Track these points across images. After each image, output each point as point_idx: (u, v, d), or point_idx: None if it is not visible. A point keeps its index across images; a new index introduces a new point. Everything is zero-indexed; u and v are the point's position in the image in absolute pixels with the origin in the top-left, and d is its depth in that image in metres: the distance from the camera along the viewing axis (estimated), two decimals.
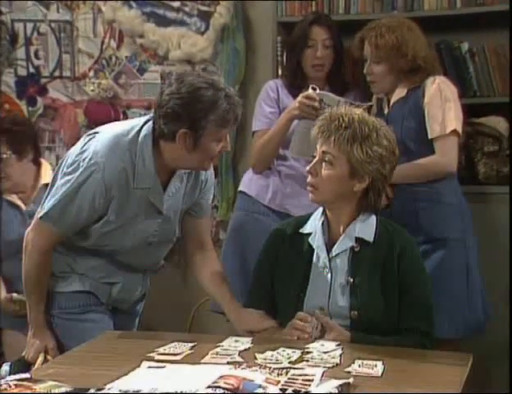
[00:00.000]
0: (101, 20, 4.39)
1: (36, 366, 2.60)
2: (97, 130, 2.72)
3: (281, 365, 2.16)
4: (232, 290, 2.81)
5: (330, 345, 2.35)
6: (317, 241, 2.59)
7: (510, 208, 3.45)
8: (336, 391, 1.94)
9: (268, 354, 2.25)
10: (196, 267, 2.89)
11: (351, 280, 2.53)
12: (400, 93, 3.39)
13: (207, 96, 2.53)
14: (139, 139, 2.62)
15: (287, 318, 2.56)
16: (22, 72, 4.50)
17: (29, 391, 1.97)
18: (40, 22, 4.47)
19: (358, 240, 2.55)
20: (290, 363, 2.19)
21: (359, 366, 2.17)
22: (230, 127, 2.61)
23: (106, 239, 2.69)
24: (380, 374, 2.12)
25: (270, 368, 2.11)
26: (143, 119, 2.69)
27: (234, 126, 2.66)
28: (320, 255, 2.57)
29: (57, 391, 1.97)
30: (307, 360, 2.22)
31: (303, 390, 1.96)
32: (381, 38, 3.34)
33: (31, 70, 4.50)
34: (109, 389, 1.99)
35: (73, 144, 4.28)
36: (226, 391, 1.91)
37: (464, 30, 3.81)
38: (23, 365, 2.66)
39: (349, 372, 2.13)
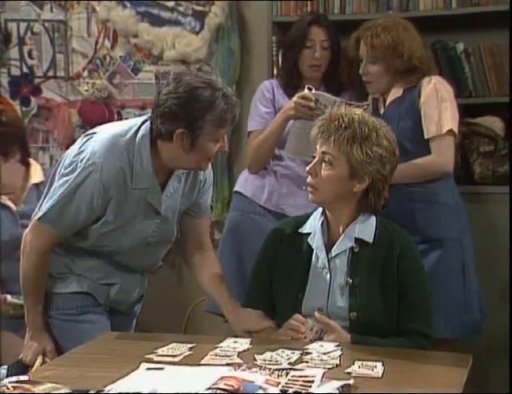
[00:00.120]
0: (95, 19, 4.38)
1: (34, 369, 2.59)
2: (94, 130, 2.71)
3: (281, 366, 2.15)
4: (231, 291, 2.79)
5: (329, 346, 2.34)
6: (316, 241, 2.58)
7: (510, 208, 3.45)
8: (337, 392, 1.94)
9: (267, 355, 2.24)
10: (195, 267, 2.88)
11: (350, 281, 2.52)
12: (395, 93, 3.40)
13: (204, 96, 2.52)
14: (137, 139, 2.61)
15: (285, 318, 2.55)
16: (16, 72, 4.48)
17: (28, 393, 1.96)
18: (34, 22, 4.45)
19: (358, 240, 2.54)
20: (289, 364, 2.18)
21: (359, 367, 2.16)
22: (227, 127, 2.61)
23: (104, 239, 2.68)
24: (380, 375, 2.11)
25: (270, 369, 2.10)
26: (141, 119, 2.69)
27: (231, 127, 2.65)
28: (319, 256, 2.57)
29: (56, 392, 1.96)
30: (306, 361, 2.21)
31: (303, 391, 1.96)
32: (377, 38, 3.35)
33: (25, 70, 4.48)
34: (108, 391, 1.97)
35: (67, 145, 4.37)
36: (227, 393, 1.90)
37: (459, 30, 3.81)
38: (20, 368, 2.64)
39: (349, 373, 2.12)
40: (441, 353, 2.44)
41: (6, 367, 2.72)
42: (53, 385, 2.01)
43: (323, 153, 2.52)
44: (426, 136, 3.29)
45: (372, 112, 3.40)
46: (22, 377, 2.08)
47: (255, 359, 2.21)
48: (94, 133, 2.68)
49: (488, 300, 3.41)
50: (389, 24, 3.38)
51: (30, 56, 4.46)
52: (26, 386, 2.00)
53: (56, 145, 4.44)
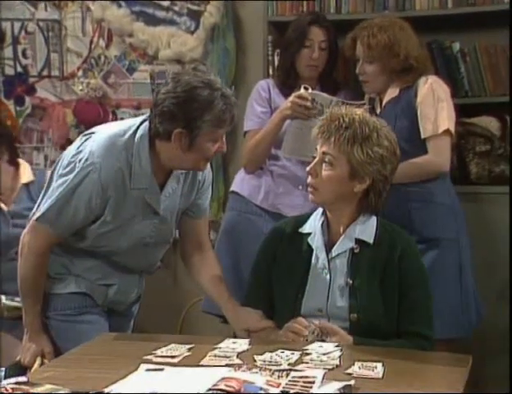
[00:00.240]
0: (90, 19, 4.37)
1: (33, 371, 2.57)
2: (93, 130, 2.70)
3: (281, 367, 2.14)
4: (229, 290, 2.79)
5: (329, 346, 2.33)
6: (316, 242, 2.57)
7: (510, 208, 3.45)
8: (339, 393, 1.93)
9: (267, 355, 2.23)
10: (194, 267, 2.87)
11: (350, 282, 2.51)
12: (392, 92, 3.39)
13: (203, 95, 2.51)
14: (136, 139, 2.60)
15: (285, 318, 2.55)
16: (10, 72, 4.46)
17: None
18: (28, 21, 4.43)
19: (358, 241, 2.53)
20: (289, 365, 2.17)
21: (359, 368, 2.15)
22: (226, 127, 2.59)
23: (102, 240, 2.67)
24: (381, 376, 2.10)
25: (270, 370, 2.09)
26: (139, 119, 2.68)
27: (230, 127, 2.63)
28: (319, 256, 2.56)
29: None
30: (306, 362, 2.19)
31: (304, 392, 1.95)
32: (374, 38, 3.34)
33: (19, 69, 4.46)
34: (109, 391, 1.96)
35: (62, 145, 4.38)
36: None
37: (455, 30, 3.82)
38: (19, 370, 2.62)
39: (349, 374, 2.11)
40: (441, 353, 2.44)
41: (3, 369, 2.71)
42: (52, 386, 2.00)
43: (324, 153, 2.51)
44: (422, 136, 3.29)
45: (368, 111, 3.39)
46: (21, 379, 2.06)
47: (255, 360, 2.20)
48: (92, 133, 2.67)
49: (485, 301, 3.41)
50: (385, 23, 3.38)
51: (24, 55, 4.45)
52: (25, 387, 1.99)
53: (50, 145, 4.42)
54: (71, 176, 2.58)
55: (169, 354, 2.28)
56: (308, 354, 2.26)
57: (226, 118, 2.56)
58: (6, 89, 4.46)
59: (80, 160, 2.59)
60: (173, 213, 2.75)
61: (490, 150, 3.71)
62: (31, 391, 1.96)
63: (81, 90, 4.37)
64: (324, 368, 2.13)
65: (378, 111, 3.41)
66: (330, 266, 2.54)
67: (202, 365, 2.19)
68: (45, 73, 4.44)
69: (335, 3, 3.88)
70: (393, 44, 3.32)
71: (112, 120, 4.33)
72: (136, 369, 2.14)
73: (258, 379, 2.00)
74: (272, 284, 2.64)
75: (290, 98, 3.34)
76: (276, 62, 3.85)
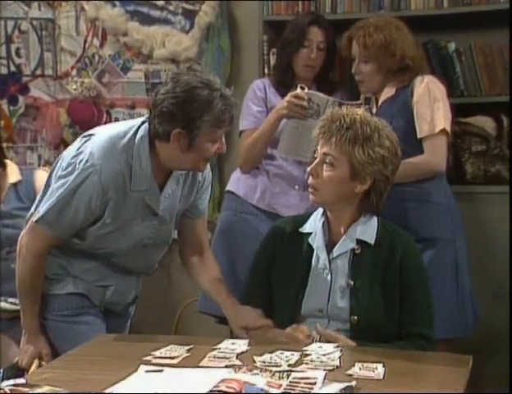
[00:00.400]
0: (84, 18, 4.35)
1: (30, 372, 2.55)
2: (92, 131, 2.68)
3: (281, 368, 2.13)
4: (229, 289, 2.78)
5: (328, 347, 2.32)
6: (317, 241, 2.56)
7: (510, 209, 3.45)
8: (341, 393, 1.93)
9: (267, 356, 2.22)
10: (194, 268, 2.87)
11: (352, 283, 2.51)
12: (388, 92, 3.39)
13: (202, 96, 2.50)
14: (136, 140, 2.59)
15: (285, 318, 2.55)
16: (3, 71, 4.44)
17: None
18: (21, 20, 4.41)
19: (359, 241, 2.53)
20: (289, 366, 2.16)
21: (360, 369, 2.14)
22: (225, 128, 2.58)
23: (102, 241, 2.66)
24: (382, 377, 2.09)
25: (271, 371, 2.08)
26: (139, 120, 2.66)
27: (229, 127, 2.63)
28: (320, 256, 2.55)
29: None
30: (306, 363, 2.18)
31: (306, 393, 1.94)
32: (370, 38, 3.34)
33: (12, 68, 4.43)
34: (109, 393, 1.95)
35: (56, 144, 4.36)
36: None
37: (450, 30, 3.81)
38: (16, 371, 2.60)
39: (350, 375, 2.10)
40: (441, 354, 2.44)
41: (0, 371, 2.69)
42: (51, 388, 1.99)
43: (324, 153, 2.50)
44: (419, 136, 3.28)
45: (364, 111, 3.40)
46: (19, 381, 2.05)
47: (254, 361, 2.19)
48: (92, 134, 2.65)
49: (481, 300, 3.40)
50: (381, 23, 3.38)
51: (18, 54, 4.43)
52: (23, 389, 1.97)
53: (44, 145, 4.40)
54: (71, 177, 2.57)
55: (168, 355, 2.27)
56: (307, 355, 2.25)
57: (226, 118, 2.55)
58: (0, 89, 4.43)
59: (80, 161, 2.57)
60: (172, 214, 2.74)
61: (486, 150, 3.71)
62: (30, 392, 1.95)
63: (75, 90, 4.35)
64: (324, 369, 2.12)
65: (374, 110, 3.40)
66: (331, 266, 2.53)
67: (201, 366, 2.18)
68: (39, 72, 4.42)
69: (330, 3, 3.88)
70: (389, 44, 3.32)
71: (107, 119, 4.32)
72: (136, 371, 2.12)
73: (259, 380, 2.00)
74: (271, 283, 2.63)
75: (287, 98, 3.33)
76: (272, 62, 3.84)
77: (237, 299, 2.76)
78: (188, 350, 2.31)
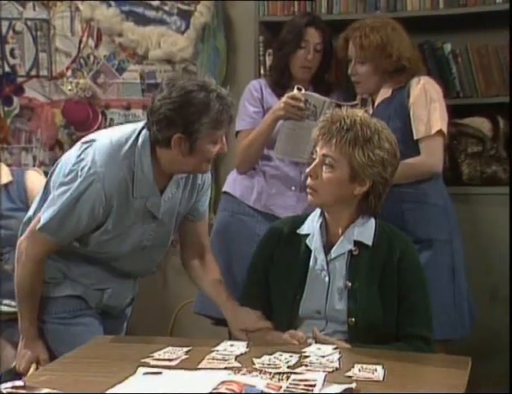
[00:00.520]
0: (79, 18, 4.33)
1: (28, 375, 2.53)
2: (93, 137, 2.66)
3: (280, 370, 2.12)
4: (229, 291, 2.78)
5: (327, 348, 2.32)
6: (314, 243, 2.56)
7: (510, 209, 3.45)
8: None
9: (266, 358, 2.21)
10: (194, 270, 2.86)
11: (349, 284, 2.50)
12: (384, 93, 3.39)
13: (198, 98, 2.49)
14: (137, 146, 2.58)
15: (283, 319, 2.54)
16: None
17: None
18: (16, 20, 4.38)
19: (357, 243, 2.52)
20: (288, 367, 2.15)
21: (359, 370, 2.14)
22: (224, 128, 2.57)
23: (103, 246, 2.65)
24: (381, 379, 2.09)
25: (270, 373, 2.08)
26: (139, 125, 2.64)
27: (229, 127, 2.63)
28: (318, 257, 2.54)
29: None
30: (306, 365, 2.18)
31: None
32: (366, 39, 3.33)
33: (7, 69, 4.40)
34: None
35: (51, 145, 4.34)
36: None
37: (446, 31, 3.81)
38: (13, 377, 2.59)
39: (349, 376, 2.09)
40: (440, 355, 2.45)
41: None
42: (49, 390, 1.98)
43: (324, 155, 2.49)
44: (415, 137, 3.28)
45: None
46: (17, 383, 2.04)
47: (253, 363, 2.18)
48: (93, 140, 2.62)
49: (477, 302, 3.40)
50: (377, 24, 3.38)
51: (12, 55, 4.40)
52: (21, 391, 1.97)
53: (39, 146, 4.38)
54: (74, 184, 2.54)
55: (166, 357, 2.26)
56: (306, 356, 2.25)
57: (224, 119, 2.54)
58: None
59: (82, 168, 2.55)
60: (171, 217, 2.73)
61: (482, 151, 3.70)
62: None
63: (70, 90, 4.33)
64: (324, 371, 2.12)
65: (371, 112, 3.39)
66: (328, 268, 2.53)
67: (200, 368, 2.17)
68: (33, 73, 4.39)
69: (326, 4, 3.87)
70: (385, 45, 3.32)
71: (102, 120, 4.30)
72: (134, 373, 2.11)
73: (259, 382, 1.99)
74: (269, 284, 2.62)
75: (283, 99, 3.32)
76: (268, 63, 3.83)
77: (235, 300, 2.75)
78: (186, 352, 2.30)
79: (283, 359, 2.21)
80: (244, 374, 2.06)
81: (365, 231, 2.54)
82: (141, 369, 2.14)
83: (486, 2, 3.69)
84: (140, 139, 2.58)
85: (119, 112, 4.30)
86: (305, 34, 3.51)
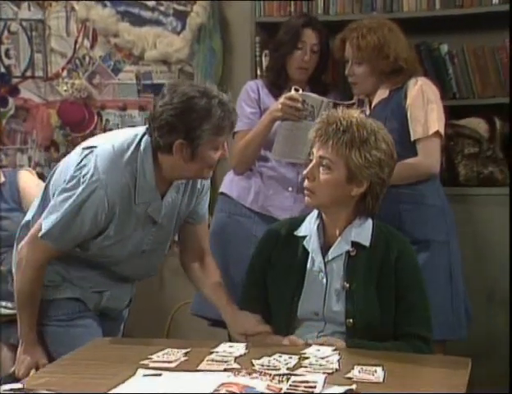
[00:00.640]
0: (74, 18, 4.32)
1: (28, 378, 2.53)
2: (94, 143, 2.64)
3: (280, 372, 2.12)
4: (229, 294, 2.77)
5: (326, 350, 2.31)
6: (312, 244, 2.55)
7: (510, 209, 3.45)
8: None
9: (265, 360, 2.21)
10: (195, 273, 2.85)
11: (347, 285, 2.50)
12: (381, 94, 3.38)
13: (200, 105, 2.48)
14: (139, 152, 2.57)
15: (281, 320, 2.54)
16: None
17: None
18: (11, 21, 4.37)
19: (355, 244, 2.52)
20: (288, 369, 2.15)
21: (359, 372, 2.13)
22: (226, 134, 2.57)
23: (104, 251, 2.64)
24: (381, 380, 2.09)
25: (270, 375, 2.07)
26: (140, 130, 2.62)
27: (230, 133, 2.62)
28: (315, 259, 2.54)
29: None
30: (305, 366, 2.17)
31: None
32: (363, 40, 3.33)
33: (2, 69, 4.39)
34: None
35: (46, 146, 4.32)
36: None
37: (443, 32, 3.82)
38: (12, 381, 2.57)
39: (349, 378, 2.09)
40: (439, 356, 2.44)
41: None
42: (48, 392, 1.98)
43: (321, 157, 2.48)
44: (412, 138, 3.28)
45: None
46: (16, 385, 2.04)
47: (253, 365, 2.18)
48: (94, 146, 2.60)
49: (474, 302, 3.40)
50: (374, 25, 3.37)
51: (7, 55, 4.39)
52: None
53: (34, 146, 4.36)
54: (77, 191, 2.53)
55: (165, 358, 2.25)
56: (306, 358, 2.24)
57: (226, 125, 2.53)
58: None
59: (84, 175, 2.53)
60: (171, 221, 2.72)
61: (478, 152, 3.71)
62: None
63: (66, 91, 4.32)
64: (324, 373, 2.12)
65: (368, 112, 3.39)
66: (326, 269, 2.52)
67: (200, 370, 2.16)
68: (29, 73, 4.38)
69: (323, 4, 3.86)
70: (382, 46, 3.31)
71: (97, 121, 4.30)
72: (133, 375, 2.11)
73: (259, 384, 1.99)
74: (267, 286, 2.61)
75: (281, 100, 3.31)
76: (264, 63, 3.83)
77: (234, 302, 2.74)
78: (185, 354, 2.29)
79: (282, 361, 2.21)
80: (243, 376, 2.06)
81: (362, 231, 2.53)
82: (141, 371, 2.13)
83: (483, 2, 3.70)
84: (142, 145, 2.57)
85: (115, 113, 4.29)
86: (302, 35, 3.50)
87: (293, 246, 2.59)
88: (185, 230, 2.83)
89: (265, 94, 3.57)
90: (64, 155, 4.10)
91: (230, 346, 2.36)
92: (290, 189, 3.48)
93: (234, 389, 1.94)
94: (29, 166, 4.24)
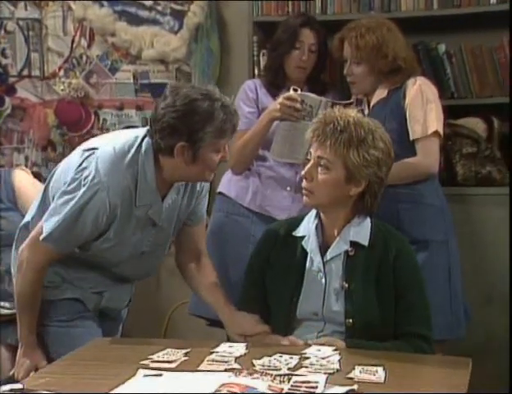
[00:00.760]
0: (71, 18, 4.30)
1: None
2: (94, 145, 2.62)
3: (281, 372, 2.12)
4: (226, 295, 2.75)
5: (326, 350, 2.31)
6: (310, 244, 2.55)
7: (510, 209, 3.45)
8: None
9: (265, 360, 2.21)
10: (190, 274, 2.83)
11: (346, 285, 2.50)
12: (380, 94, 3.38)
13: (203, 107, 2.47)
14: (140, 154, 2.55)
15: (280, 321, 2.54)
16: None
17: None
18: (7, 20, 4.35)
19: (353, 243, 2.52)
20: (289, 369, 2.15)
21: (360, 372, 2.13)
22: (228, 137, 2.56)
23: (103, 252, 2.63)
24: (382, 380, 2.08)
25: (271, 375, 2.07)
26: (141, 132, 2.61)
27: (232, 136, 2.61)
28: (314, 259, 2.54)
29: None
30: (306, 366, 2.17)
31: None
32: (362, 39, 3.32)
33: None
34: None
35: (43, 146, 4.31)
36: None
37: (441, 32, 3.81)
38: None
39: (350, 378, 2.09)
40: (440, 356, 2.43)
41: None
42: (48, 393, 1.97)
43: (319, 157, 2.48)
44: (411, 137, 3.27)
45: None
46: (16, 386, 2.03)
47: (253, 365, 2.17)
48: (95, 148, 2.59)
49: (473, 302, 3.40)
50: (373, 24, 3.36)
51: (4, 55, 4.37)
52: None
53: (31, 146, 4.35)
54: (78, 193, 2.52)
55: (166, 359, 2.25)
56: (306, 358, 2.24)
57: (228, 128, 2.53)
58: None
59: (85, 178, 2.52)
60: (171, 222, 2.71)
61: (476, 152, 3.70)
62: None
63: (62, 90, 4.31)
64: (325, 373, 2.11)
65: (366, 112, 3.39)
66: (325, 269, 2.52)
67: (200, 370, 2.16)
68: (25, 73, 4.37)
69: (320, 4, 3.85)
70: (381, 45, 3.30)
71: (95, 120, 4.28)
72: (133, 375, 2.10)
73: (260, 384, 1.99)
74: (266, 286, 2.61)
75: (279, 100, 3.31)
76: (262, 63, 3.82)
77: (232, 303, 2.74)
78: (185, 354, 2.29)
79: (283, 361, 2.20)
80: (245, 376, 2.05)
81: (361, 231, 2.53)
82: (141, 371, 2.13)
83: (481, 2, 3.69)
84: (143, 147, 2.56)
85: (112, 113, 4.28)
86: (300, 34, 3.49)
87: (292, 246, 2.59)
88: (182, 230, 2.81)
89: (263, 94, 3.56)
90: (61, 154, 4.22)
91: (231, 346, 2.36)
92: (288, 188, 3.48)
93: (235, 389, 1.94)
94: (26, 165, 4.22)
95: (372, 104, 3.39)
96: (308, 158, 2.53)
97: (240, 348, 2.34)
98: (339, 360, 2.22)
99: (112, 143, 2.60)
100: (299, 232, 2.60)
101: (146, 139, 2.57)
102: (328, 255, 2.52)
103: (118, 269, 2.72)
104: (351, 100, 3.40)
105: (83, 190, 2.51)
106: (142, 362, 2.21)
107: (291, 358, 2.23)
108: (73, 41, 4.31)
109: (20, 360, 2.67)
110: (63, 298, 2.69)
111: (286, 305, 2.54)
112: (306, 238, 2.57)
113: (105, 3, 4.24)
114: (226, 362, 2.21)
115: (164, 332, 4.22)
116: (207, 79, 4.06)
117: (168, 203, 2.65)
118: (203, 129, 2.47)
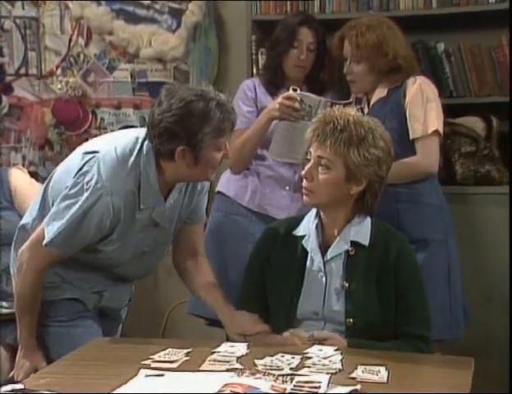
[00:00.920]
0: (68, 16, 4.29)
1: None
2: (94, 148, 2.60)
3: (283, 372, 2.11)
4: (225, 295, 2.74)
5: (328, 350, 2.30)
6: (311, 244, 2.54)
7: (510, 209, 3.45)
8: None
9: (267, 360, 2.20)
10: (188, 273, 2.81)
11: (346, 285, 2.49)
12: (380, 93, 3.37)
13: (198, 108, 2.45)
14: (142, 157, 2.54)
15: (280, 320, 2.53)
16: None
17: None
18: (4, 18, 4.34)
19: (353, 243, 2.51)
20: (291, 369, 2.14)
21: (363, 372, 2.12)
22: (227, 135, 2.54)
23: (106, 254, 2.62)
24: (385, 380, 2.08)
25: (274, 375, 2.06)
26: (141, 133, 2.59)
27: (231, 133, 2.59)
28: (314, 258, 2.53)
29: None
30: (308, 366, 2.16)
31: None
32: (362, 38, 3.32)
33: None
34: None
35: (40, 145, 4.29)
36: None
37: (439, 30, 3.80)
38: None
39: (353, 378, 2.08)
40: (442, 356, 2.43)
41: None
42: (49, 393, 1.96)
43: (319, 156, 2.47)
44: (411, 136, 3.27)
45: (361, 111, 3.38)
46: (17, 386, 2.02)
47: (255, 365, 2.16)
48: (96, 151, 2.57)
49: (472, 302, 3.40)
50: (373, 23, 3.36)
51: (1, 53, 4.36)
52: None
53: (28, 145, 4.33)
54: (81, 198, 2.50)
55: (167, 359, 2.24)
56: (308, 358, 2.23)
57: (226, 126, 2.51)
58: None
59: (87, 182, 2.50)
60: (171, 222, 2.69)
61: (475, 151, 3.70)
62: None
63: (60, 89, 4.29)
64: (327, 373, 2.11)
65: (366, 111, 3.38)
66: (325, 268, 2.51)
67: (202, 370, 2.15)
68: (23, 71, 4.35)
69: (319, 3, 3.84)
70: (381, 44, 3.30)
71: (92, 119, 4.27)
72: (135, 375, 2.09)
73: (263, 384, 1.98)
74: (266, 286, 2.60)
75: (278, 100, 3.30)
76: (261, 62, 3.81)
77: (229, 300, 2.72)
78: (187, 354, 2.28)
79: (285, 361, 2.20)
80: (247, 376, 2.04)
81: (361, 230, 2.53)
82: (143, 371, 2.11)
83: (479, 1, 3.69)
84: (144, 150, 2.54)
85: (109, 111, 4.26)
86: (298, 33, 3.49)
87: (292, 246, 2.58)
88: (181, 230, 2.79)
89: (262, 93, 3.55)
90: (58, 154, 4.20)
91: (232, 346, 2.35)
92: (287, 188, 3.47)
93: (238, 389, 1.92)
94: (24, 165, 4.21)
95: (371, 103, 3.39)
96: (308, 157, 2.52)
97: (241, 348, 2.33)
98: (341, 360, 2.21)
99: (113, 145, 2.58)
100: (299, 232, 2.59)
101: (147, 140, 2.56)
102: (329, 255, 2.51)
103: (119, 269, 2.71)
104: (351, 99, 3.40)
105: (86, 194, 2.49)
106: (143, 362, 2.20)
107: (293, 358, 2.22)
108: (70, 40, 4.30)
109: (20, 362, 2.66)
110: (63, 298, 2.67)
111: (286, 305, 2.53)
112: (306, 237, 2.56)
113: (102, 2, 4.23)
114: (227, 362, 2.20)
115: (163, 332, 4.20)
116: (205, 78, 4.05)
117: (170, 203, 2.63)
118: (201, 130, 2.46)
